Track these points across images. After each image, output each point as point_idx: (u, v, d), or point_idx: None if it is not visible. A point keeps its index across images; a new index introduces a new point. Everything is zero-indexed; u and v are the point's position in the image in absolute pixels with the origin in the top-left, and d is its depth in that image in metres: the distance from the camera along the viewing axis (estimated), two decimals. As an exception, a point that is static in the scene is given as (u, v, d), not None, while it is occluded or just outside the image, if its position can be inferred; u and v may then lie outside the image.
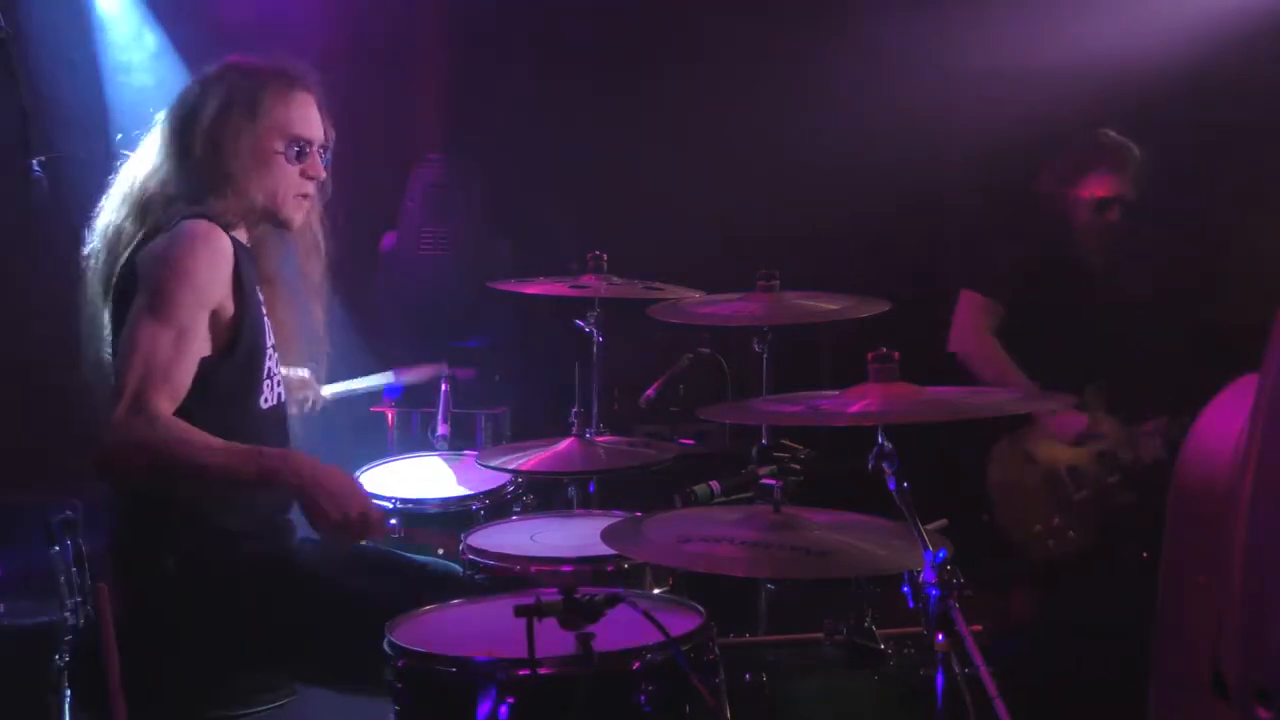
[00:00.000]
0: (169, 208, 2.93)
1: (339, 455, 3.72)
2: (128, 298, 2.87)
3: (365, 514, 2.77)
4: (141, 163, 3.04)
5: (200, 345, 2.85)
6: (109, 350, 2.96)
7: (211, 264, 2.87)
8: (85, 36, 5.02)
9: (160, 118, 3.06)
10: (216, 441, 2.78)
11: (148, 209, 2.95)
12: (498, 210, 5.02)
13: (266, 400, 3.02)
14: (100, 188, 3.09)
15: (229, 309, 2.91)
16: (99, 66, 5.02)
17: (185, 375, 2.81)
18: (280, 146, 3.04)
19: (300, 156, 3.06)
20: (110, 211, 3.02)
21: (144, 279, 2.84)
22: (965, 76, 5.38)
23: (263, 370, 3.00)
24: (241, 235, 3.04)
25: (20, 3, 4.74)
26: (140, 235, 2.92)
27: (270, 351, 3.03)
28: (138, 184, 3.00)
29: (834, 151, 5.39)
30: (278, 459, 2.79)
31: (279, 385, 3.09)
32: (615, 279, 3.72)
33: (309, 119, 3.09)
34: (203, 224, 2.89)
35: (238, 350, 2.93)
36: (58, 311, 4.16)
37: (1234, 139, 5.37)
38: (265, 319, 3.02)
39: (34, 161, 2.93)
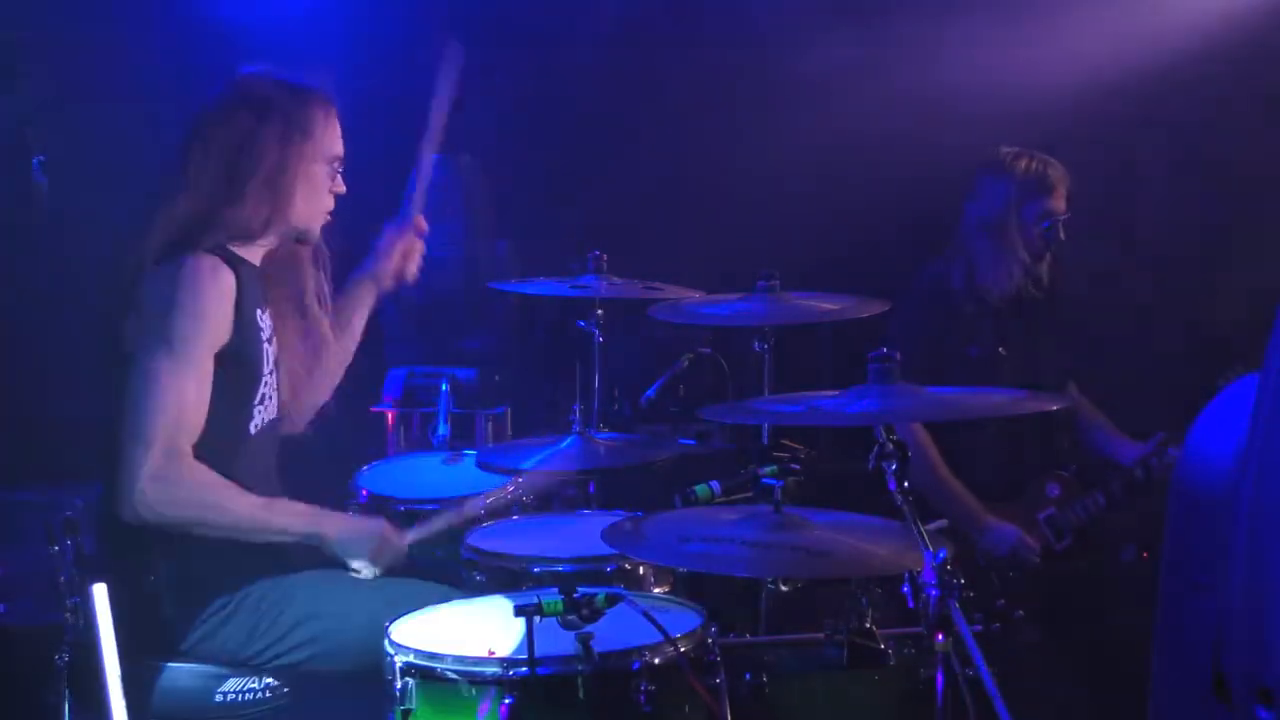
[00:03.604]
0: (188, 228, 2.89)
1: (338, 455, 3.74)
2: (121, 320, 2.86)
3: (394, 553, 3.02)
4: (167, 180, 2.99)
5: (210, 379, 2.86)
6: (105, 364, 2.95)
7: (219, 302, 2.86)
8: (85, 36, 5.01)
9: (192, 132, 2.99)
10: (251, 496, 2.88)
11: (165, 227, 2.90)
12: (498, 210, 5.02)
13: (256, 425, 3.01)
14: (101, 189, 3.07)
15: (226, 340, 2.90)
16: (99, 66, 5.01)
17: (204, 412, 2.85)
18: (326, 170, 3.05)
19: (333, 176, 3.07)
20: (126, 228, 2.98)
21: (157, 322, 2.81)
22: (966, 76, 5.38)
23: (255, 397, 2.99)
24: (255, 254, 3.02)
25: (20, 3, 4.74)
26: (149, 257, 2.88)
27: (267, 378, 3.02)
28: (149, 201, 2.96)
29: (835, 151, 5.38)
30: (314, 518, 2.97)
31: (271, 408, 3.07)
32: (615, 279, 3.72)
33: (340, 136, 3.08)
34: (206, 260, 2.86)
35: (229, 379, 2.91)
36: (57, 312, 4.16)
37: (1234, 138, 5.37)
38: (265, 345, 3.00)
39: (34, 161, 2.92)
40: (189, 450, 2.81)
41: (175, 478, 2.77)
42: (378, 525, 3.05)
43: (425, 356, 4.93)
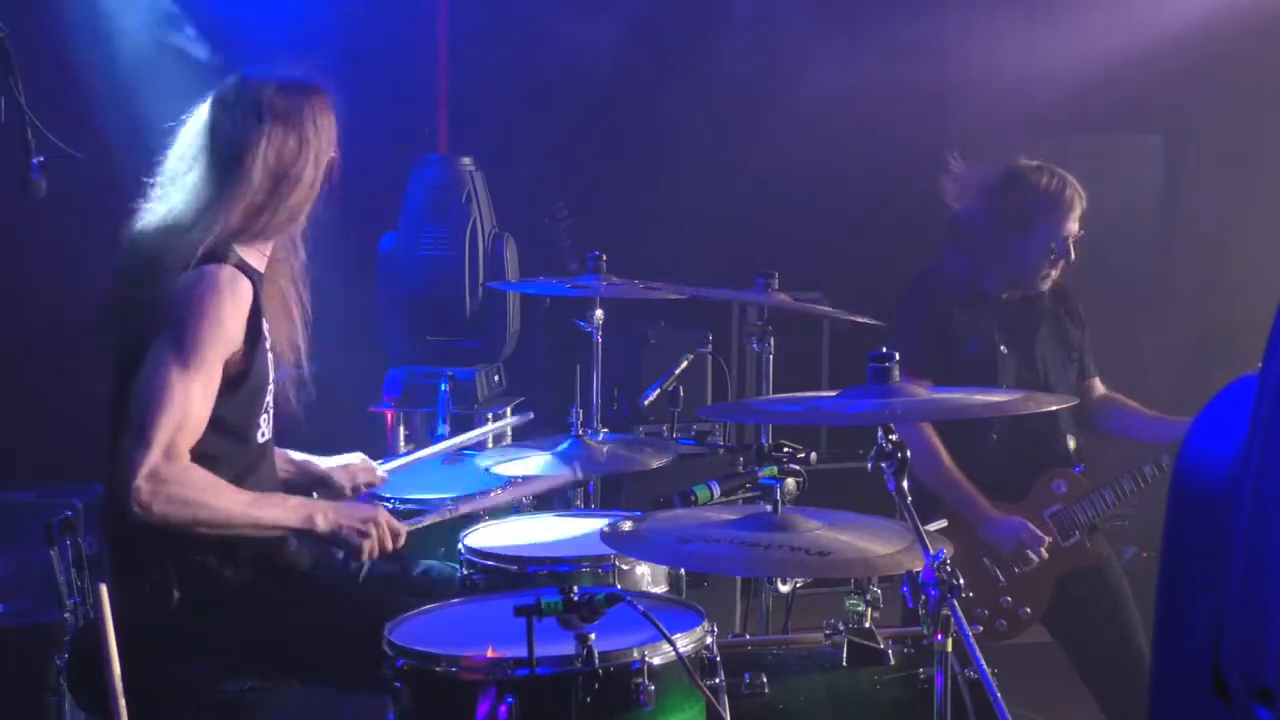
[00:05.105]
0: (202, 233, 2.88)
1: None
2: (137, 325, 2.86)
3: (389, 535, 2.98)
4: (173, 183, 2.97)
5: (216, 386, 2.86)
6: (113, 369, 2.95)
7: (236, 311, 2.87)
8: (85, 36, 5.02)
9: (192, 135, 2.98)
10: (243, 493, 2.87)
11: (179, 233, 2.89)
12: (498, 210, 5.02)
13: (263, 434, 3.02)
14: (101, 190, 3.06)
15: (240, 349, 2.90)
16: (99, 66, 5.02)
17: (206, 418, 2.85)
18: (335, 162, 3.06)
19: (335, 165, 3.08)
20: (134, 235, 2.97)
21: (171, 322, 2.81)
22: (965, 76, 5.39)
23: (262, 405, 3.00)
24: (260, 259, 3.02)
25: (20, 1, 4.74)
26: (172, 264, 2.87)
27: (271, 387, 3.02)
28: (171, 206, 2.94)
29: (836, 151, 5.39)
30: (303, 508, 2.94)
31: (271, 417, 3.08)
32: (615, 279, 3.72)
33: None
34: (227, 269, 2.86)
35: (241, 388, 2.91)
36: (57, 312, 4.16)
37: (1235, 137, 5.37)
38: (269, 352, 3.01)
39: (34, 161, 2.92)
40: (186, 452, 2.81)
41: (171, 477, 2.76)
42: (370, 511, 3.02)
43: (425, 356, 4.93)
